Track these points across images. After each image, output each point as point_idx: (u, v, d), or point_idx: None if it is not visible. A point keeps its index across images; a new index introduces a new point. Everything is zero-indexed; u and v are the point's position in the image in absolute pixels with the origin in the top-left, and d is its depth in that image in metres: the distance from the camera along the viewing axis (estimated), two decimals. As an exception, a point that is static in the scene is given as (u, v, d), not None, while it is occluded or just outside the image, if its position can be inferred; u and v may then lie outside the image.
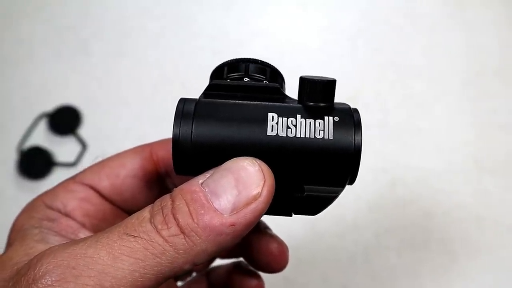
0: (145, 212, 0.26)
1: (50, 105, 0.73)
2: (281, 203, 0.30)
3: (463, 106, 0.70)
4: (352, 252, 0.63)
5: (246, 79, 0.32)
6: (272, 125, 0.28)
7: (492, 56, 0.73)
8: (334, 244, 0.64)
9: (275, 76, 0.33)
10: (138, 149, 0.37)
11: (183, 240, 0.25)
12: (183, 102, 0.29)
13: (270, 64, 0.33)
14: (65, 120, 0.72)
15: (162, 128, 0.65)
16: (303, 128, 0.28)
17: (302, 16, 0.78)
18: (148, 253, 0.25)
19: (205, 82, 0.31)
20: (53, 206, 0.33)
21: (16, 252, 0.29)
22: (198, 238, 0.25)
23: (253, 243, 0.39)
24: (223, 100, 0.29)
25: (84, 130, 0.72)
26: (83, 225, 0.33)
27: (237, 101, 0.29)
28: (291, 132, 0.28)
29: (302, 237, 0.64)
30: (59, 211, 0.33)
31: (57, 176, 0.69)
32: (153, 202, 0.27)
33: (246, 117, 0.28)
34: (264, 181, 0.26)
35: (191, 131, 0.28)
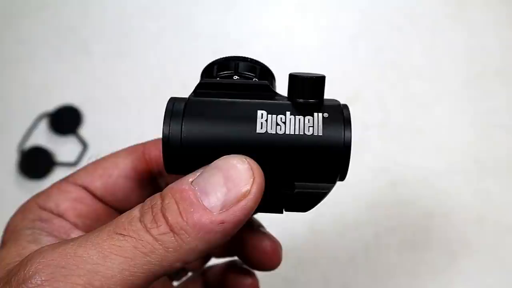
0: (135, 211, 0.27)
1: (51, 105, 0.73)
2: (272, 200, 0.30)
3: (464, 106, 0.70)
4: (352, 252, 0.63)
5: (235, 77, 0.32)
6: (262, 123, 0.28)
7: (493, 56, 0.73)
8: (335, 244, 0.64)
9: (265, 73, 0.33)
10: (131, 149, 0.37)
11: (173, 238, 0.25)
12: (173, 101, 0.29)
13: (260, 62, 0.33)
14: (65, 120, 0.72)
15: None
16: (292, 125, 0.28)
17: (302, 16, 0.78)
18: (137, 251, 0.25)
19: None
20: (46, 207, 0.33)
21: (8, 252, 0.29)
22: (187, 236, 0.25)
23: (246, 241, 0.39)
24: (213, 99, 0.29)
25: (84, 130, 0.72)
26: (76, 226, 0.33)
27: (226, 99, 0.29)
28: (280, 129, 0.28)
29: (302, 236, 0.64)
30: (52, 212, 0.33)
31: (57, 176, 0.69)
32: None
33: (236, 115, 0.28)
34: (254, 179, 0.26)
35: (181, 130, 0.28)
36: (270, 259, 0.39)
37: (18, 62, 0.76)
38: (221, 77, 0.32)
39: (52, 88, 0.75)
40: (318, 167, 0.28)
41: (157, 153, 0.36)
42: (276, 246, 0.39)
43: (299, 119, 0.28)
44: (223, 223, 0.25)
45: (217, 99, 0.29)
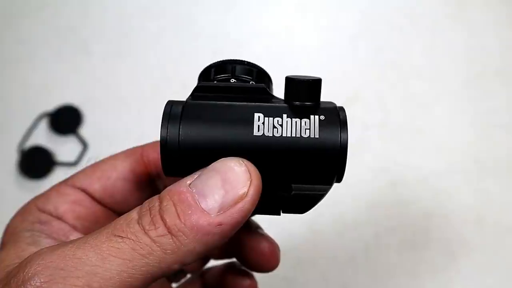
0: (133, 213, 0.27)
1: (51, 105, 0.73)
2: (269, 202, 0.30)
3: (464, 106, 0.70)
4: (352, 252, 0.63)
5: (233, 80, 0.32)
6: (259, 125, 0.28)
7: (493, 56, 0.72)
8: (334, 244, 0.64)
9: (262, 76, 0.33)
10: (130, 152, 0.37)
11: (171, 240, 0.25)
12: (170, 104, 0.29)
13: (257, 65, 0.33)
14: (65, 120, 0.73)
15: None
16: (289, 127, 0.28)
17: (302, 16, 0.78)
18: (135, 253, 0.25)
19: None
20: (45, 209, 0.33)
21: (8, 254, 0.29)
22: (185, 238, 0.25)
23: (244, 243, 0.40)
24: (210, 102, 0.29)
25: (84, 130, 0.72)
26: (74, 228, 0.34)
27: (224, 102, 0.29)
28: (277, 132, 0.28)
29: (301, 236, 0.64)
30: (51, 214, 0.33)
31: (57, 176, 0.69)
32: None
33: (233, 118, 0.28)
34: (251, 181, 0.26)
35: (179, 133, 0.28)
36: (268, 260, 0.40)
37: (18, 62, 0.76)
38: (218, 80, 0.32)
39: (52, 88, 0.75)
40: (315, 169, 0.28)
41: (155, 155, 0.36)
42: (274, 248, 0.40)
43: (296, 122, 0.28)
44: (220, 225, 0.25)
45: (214, 102, 0.29)
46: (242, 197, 0.26)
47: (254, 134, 0.28)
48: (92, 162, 0.37)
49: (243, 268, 0.42)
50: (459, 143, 0.68)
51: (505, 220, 0.64)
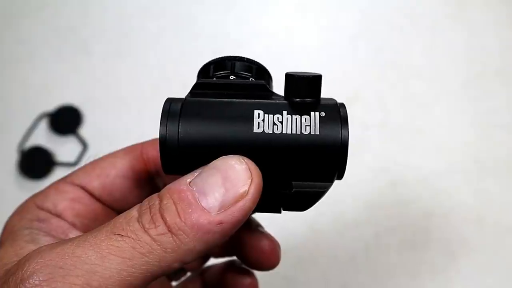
0: (133, 211, 0.27)
1: (51, 105, 0.73)
2: (270, 200, 0.30)
3: (464, 106, 0.70)
4: (352, 251, 0.63)
5: (232, 77, 0.32)
6: (259, 122, 0.28)
7: (493, 56, 0.72)
8: (334, 243, 0.64)
9: (262, 73, 0.33)
10: (129, 149, 0.37)
11: (171, 238, 0.25)
12: (169, 102, 0.29)
13: (256, 62, 0.33)
14: (65, 120, 0.73)
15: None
16: (289, 124, 0.28)
17: (302, 16, 0.78)
18: (135, 252, 0.25)
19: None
20: (44, 206, 0.33)
21: (6, 252, 0.29)
22: (185, 236, 0.25)
23: (244, 241, 0.39)
24: (209, 99, 0.29)
25: (84, 130, 0.72)
26: (73, 225, 0.33)
27: (223, 99, 0.29)
28: (277, 129, 0.28)
29: (302, 235, 0.64)
30: (50, 212, 0.33)
31: (57, 176, 0.68)
32: None
33: (232, 115, 0.28)
34: (252, 179, 0.26)
35: (178, 131, 0.28)
36: (269, 258, 0.39)
37: (18, 62, 0.76)
38: (217, 77, 0.32)
39: (52, 88, 0.75)
40: (316, 166, 0.28)
41: (154, 153, 0.36)
42: (274, 246, 0.39)
43: (296, 119, 0.28)
44: (221, 223, 0.25)
45: (213, 99, 0.29)
46: (242, 196, 0.26)
47: (254, 131, 0.28)
48: (91, 160, 0.37)
49: (244, 266, 0.42)
50: (459, 143, 0.68)
51: (505, 220, 0.64)
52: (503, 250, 0.62)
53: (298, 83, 0.29)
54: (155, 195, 0.27)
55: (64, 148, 0.71)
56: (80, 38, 0.77)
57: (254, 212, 0.29)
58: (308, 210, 0.31)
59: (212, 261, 0.45)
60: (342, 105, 0.29)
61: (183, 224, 0.25)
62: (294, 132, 0.28)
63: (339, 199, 0.64)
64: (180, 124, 0.28)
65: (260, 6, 0.79)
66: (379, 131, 0.69)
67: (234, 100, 0.29)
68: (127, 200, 0.36)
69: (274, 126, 0.28)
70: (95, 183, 0.35)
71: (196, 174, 0.27)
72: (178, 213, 0.25)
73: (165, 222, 0.25)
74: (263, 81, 0.31)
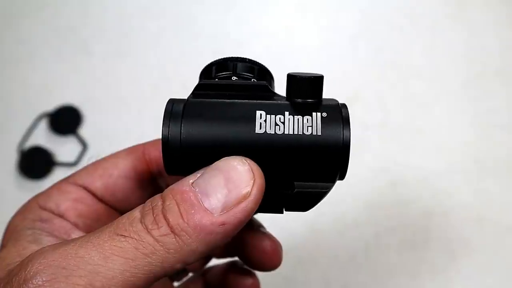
0: (136, 212, 0.27)
1: (51, 105, 0.73)
2: (272, 200, 0.30)
3: (464, 106, 0.70)
4: (352, 251, 0.63)
5: (234, 78, 0.32)
6: (261, 123, 0.28)
7: (493, 56, 0.73)
8: (335, 243, 0.64)
9: (263, 74, 0.33)
10: (131, 150, 0.37)
11: (174, 239, 0.25)
12: (171, 102, 0.29)
13: (258, 62, 0.33)
14: (65, 120, 0.72)
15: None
16: (291, 124, 0.28)
17: (302, 16, 0.78)
18: (138, 253, 0.25)
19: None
20: (47, 207, 0.33)
21: (9, 253, 0.29)
22: (188, 237, 0.25)
23: (246, 241, 0.39)
24: (212, 100, 0.29)
25: (84, 130, 0.72)
26: (76, 226, 0.33)
27: (225, 100, 0.29)
28: (279, 129, 0.28)
29: (302, 236, 0.64)
30: (52, 212, 0.33)
31: (57, 176, 0.69)
32: None
33: (235, 116, 0.28)
34: (254, 180, 0.26)
35: (180, 132, 0.28)
36: (271, 259, 0.39)
37: (18, 62, 0.76)
38: (219, 78, 0.32)
39: (52, 88, 0.75)
40: (318, 166, 0.28)
41: (157, 153, 0.36)
42: (276, 246, 0.39)
43: (298, 119, 0.28)
44: (223, 224, 0.25)
45: (215, 100, 0.29)
46: (245, 197, 0.26)
47: (256, 131, 0.28)
48: (93, 160, 0.37)
49: (245, 267, 0.42)
50: (459, 143, 0.68)
51: (505, 220, 0.64)
52: (503, 250, 0.62)
53: (300, 83, 0.29)
54: (157, 196, 0.27)
55: (64, 148, 0.71)
56: (80, 38, 0.77)
57: (256, 212, 0.29)
58: (309, 210, 0.31)
59: (214, 261, 0.45)
60: (344, 105, 0.29)
61: (186, 225, 0.25)
62: (296, 132, 0.28)
63: (339, 199, 0.64)
64: (182, 125, 0.28)
65: (260, 6, 0.79)
66: (379, 131, 0.69)
67: (236, 100, 0.29)
68: (130, 200, 0.36)
69: (276, 126, 0.28)
70: (97, 183, 0.35)
71: (198, 175, 0.27)
72: (181, 214, 0.25)
73: (168, 223, 0.25)
74: (265, 81, 0.31)
